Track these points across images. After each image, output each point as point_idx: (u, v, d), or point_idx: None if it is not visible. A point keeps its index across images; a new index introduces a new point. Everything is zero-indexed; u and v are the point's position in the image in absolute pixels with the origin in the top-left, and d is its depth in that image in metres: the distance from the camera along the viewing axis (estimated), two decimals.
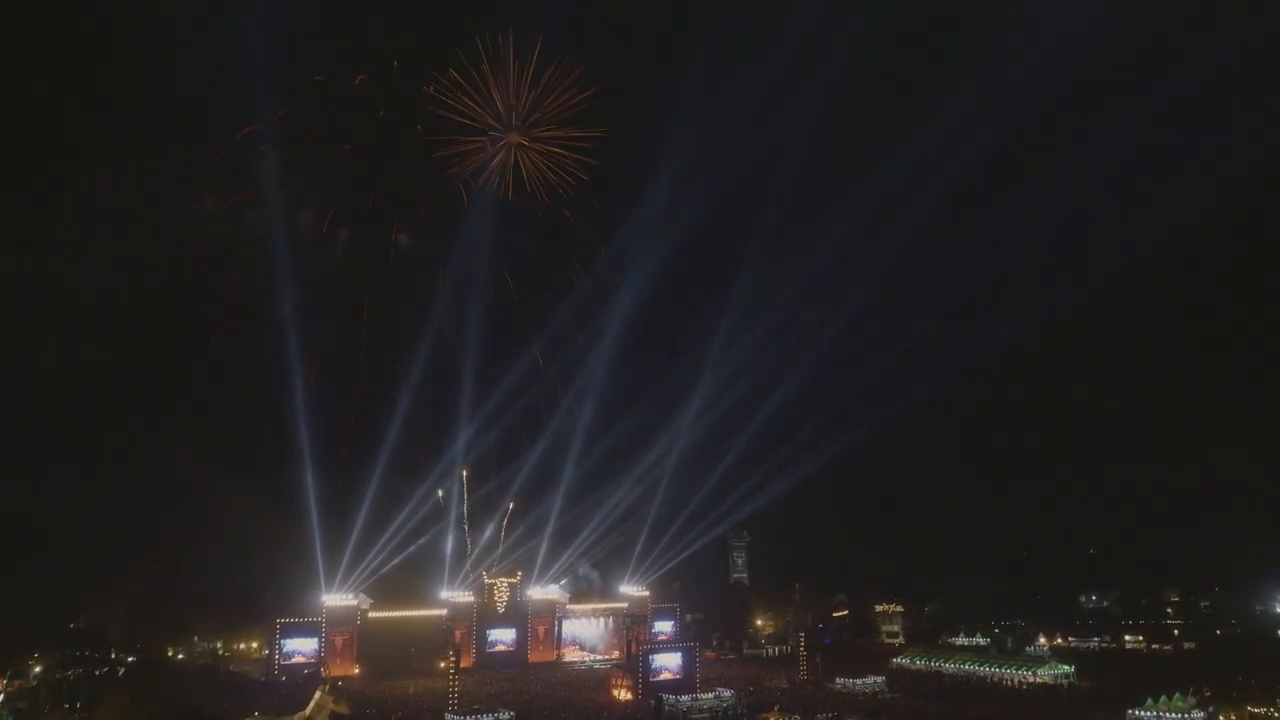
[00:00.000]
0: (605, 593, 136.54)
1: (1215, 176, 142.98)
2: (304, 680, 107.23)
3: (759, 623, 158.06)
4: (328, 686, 67.45)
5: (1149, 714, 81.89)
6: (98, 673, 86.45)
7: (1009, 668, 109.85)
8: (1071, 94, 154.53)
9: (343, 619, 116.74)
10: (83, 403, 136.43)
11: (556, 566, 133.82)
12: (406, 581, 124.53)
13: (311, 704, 66.25)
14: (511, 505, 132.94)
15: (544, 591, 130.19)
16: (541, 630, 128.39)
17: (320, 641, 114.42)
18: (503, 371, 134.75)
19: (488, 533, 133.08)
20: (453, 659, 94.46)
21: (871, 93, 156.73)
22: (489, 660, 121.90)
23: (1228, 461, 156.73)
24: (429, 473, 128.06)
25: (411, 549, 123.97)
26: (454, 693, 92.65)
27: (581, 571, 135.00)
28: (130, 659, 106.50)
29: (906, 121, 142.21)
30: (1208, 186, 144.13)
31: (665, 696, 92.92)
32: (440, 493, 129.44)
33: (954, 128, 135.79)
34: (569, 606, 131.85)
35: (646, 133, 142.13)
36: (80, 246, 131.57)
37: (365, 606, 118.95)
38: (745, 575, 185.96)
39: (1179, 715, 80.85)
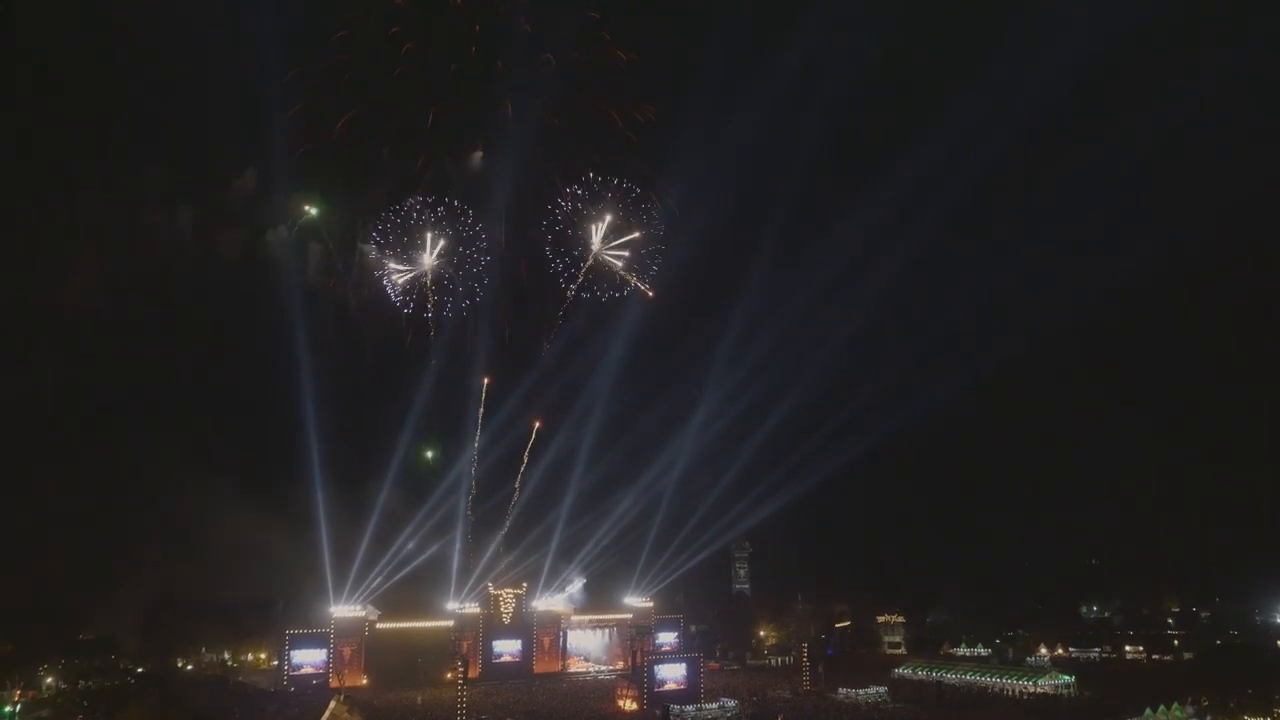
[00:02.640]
0: (605, 605, 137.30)
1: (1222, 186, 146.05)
2: (313, 691, 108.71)
3: (762, 633, 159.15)
4: (342, 696, 68.80)
5: None
6: (112, 683, 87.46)
7: (1010, 678, 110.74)
8: (1079, 105, 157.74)
9: (351, 630, 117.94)
10: (89, 414, 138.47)
11: (559, 579, 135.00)
12: (413, 593, 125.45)
13: (327, 713, 67.63)
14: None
15: (549, 602, 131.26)
16: (546, 641, 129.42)
17: (329, 652, 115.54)
18: (509, 385, 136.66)
19: (493, 545, 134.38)
20: (461, 669, 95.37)
21: (871, 113, 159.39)
22: (495, 671, 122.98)
23: (1228, 471, 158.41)
24: (436, 485, 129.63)
25: (420, 560, 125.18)
26: (462, 703, 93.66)
27: (580, 584, 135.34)
28: (139, 670, 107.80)
29: (903, 145, 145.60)
30: (1216, 196, 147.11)
31: (671, 706, 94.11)
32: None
33: (952, 147, 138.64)
34: (573, 618, 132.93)
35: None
36: (85, 256, 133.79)
37: (373, 618, 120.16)
38: (747, 586, 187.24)
39: None
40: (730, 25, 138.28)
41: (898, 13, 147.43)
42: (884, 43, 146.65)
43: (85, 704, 77.41)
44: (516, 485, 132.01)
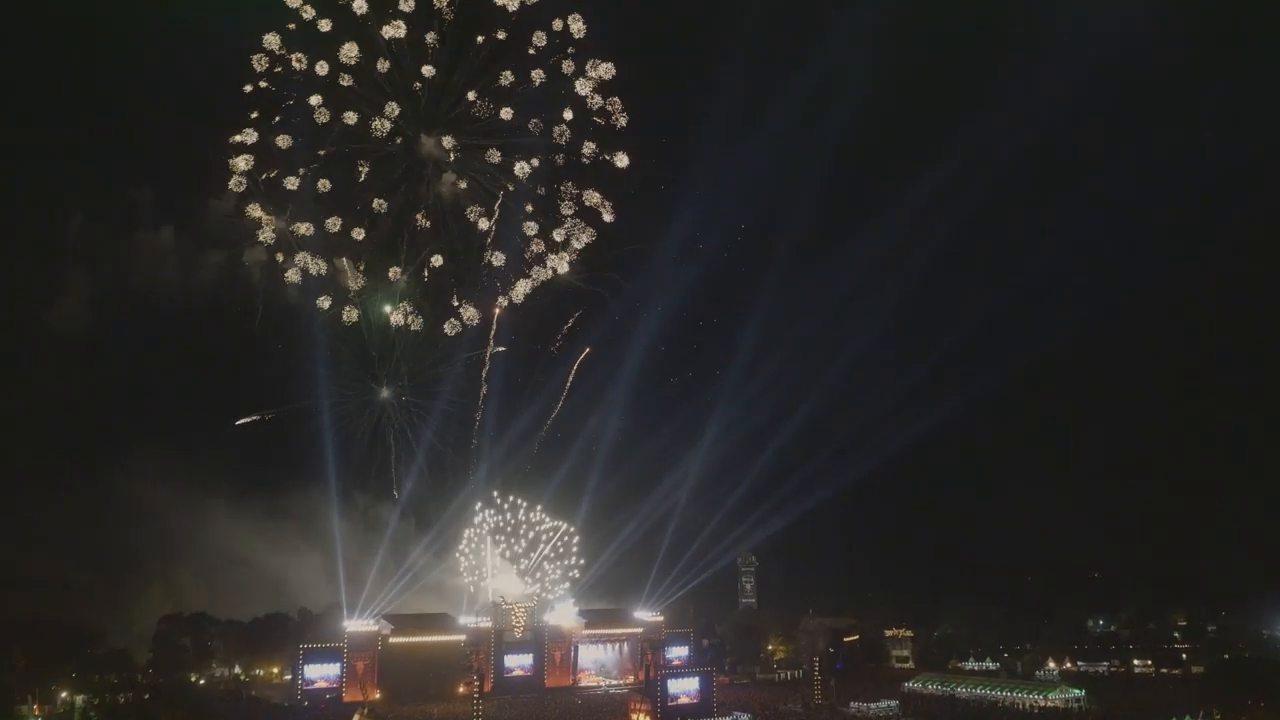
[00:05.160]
0: (616, 619, 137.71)
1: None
2: (326, 705, 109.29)
3: (770, 647, 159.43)
4: (366, 710, 69.38)
5: None
6: (137, 698, 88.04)
7: (1020, 692, 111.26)
8: (1092, 115, 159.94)
9: (364, 644, 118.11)
10: (90, 428, 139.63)
11: (569, 591, 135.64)
12: (426, 607, 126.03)
13: None
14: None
15: (560, 616, 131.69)
16: (558, 655, 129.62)
17: (342, 667, 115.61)
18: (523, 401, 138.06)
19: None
20: (476, 683, 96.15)
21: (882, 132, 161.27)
22: (506, 685, 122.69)
23: (1233, 484, 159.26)
24: (450, 501, 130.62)
25: (435, 572, 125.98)
26: (478, 717, 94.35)
27: (570, 602, 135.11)
28: (158, 683, 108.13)
29: (908, 169, 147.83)
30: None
31: None
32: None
33: (954, 170, 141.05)
34: (585, 631, 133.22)
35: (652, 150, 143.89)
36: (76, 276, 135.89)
37: (386, 632, 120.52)
38: (754, 600, 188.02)
39: None
40: (742, 38, 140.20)
41: (908, 34, 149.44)
42: (891, 68, 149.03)
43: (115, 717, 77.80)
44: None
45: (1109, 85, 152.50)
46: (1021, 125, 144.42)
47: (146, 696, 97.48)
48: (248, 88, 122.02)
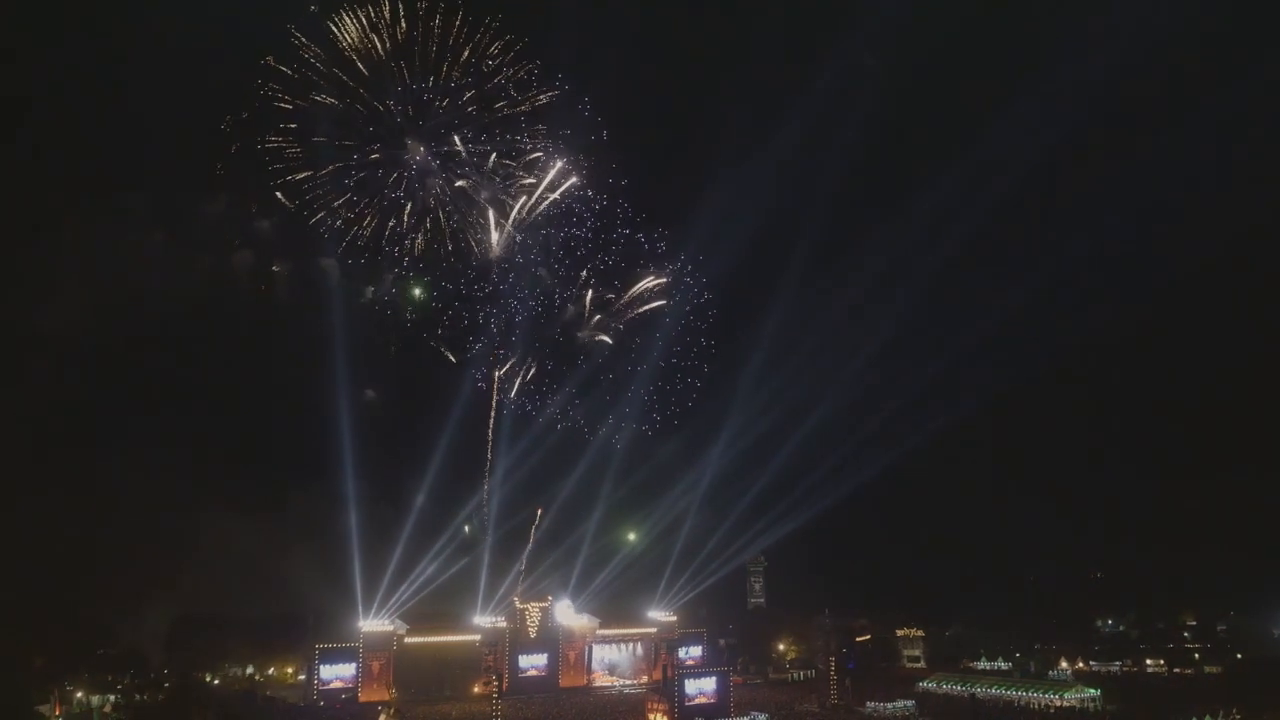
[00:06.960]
0: (630, 619, 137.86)
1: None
2: (342, 705, 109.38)
3: (781, 647, 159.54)
4: (392, 710, 69.49)
5: None
6: (164, 698, 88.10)
7: (1035, 691, 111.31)
8: (1104, 123, 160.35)
9: (379, 644, 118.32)
10: (97, 429, 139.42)
11: (585, 592, 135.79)
12: (441, 607, 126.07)
13: None
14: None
15: (575, 617, 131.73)
16: (572, 655, 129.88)
17: (357, 667, 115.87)
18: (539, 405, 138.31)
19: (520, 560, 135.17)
20: (495, 683, 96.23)
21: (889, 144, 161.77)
22: (521, 685, 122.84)
23: (1237, 484, 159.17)
24: (466, 500, 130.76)
25: (450, 573, 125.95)
26: (496, 717, 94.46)
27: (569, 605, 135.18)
28: (179, 683, 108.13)
29: (918, 176, 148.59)
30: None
31: None
32: (468, 527, 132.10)
33: (963, 178, 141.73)
34: (599, 631, 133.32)
35: (666, 154, 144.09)
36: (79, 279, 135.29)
37: (401, 632, 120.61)
38: (763, 600, 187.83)
39: None
40: (755, 46, 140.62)
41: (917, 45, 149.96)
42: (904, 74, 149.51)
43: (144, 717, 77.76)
44: (522, 565, 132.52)
45: (1114, 89, 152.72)
46: (1029, 129, 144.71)
47: (161, 698, 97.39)
48: (228, 116, 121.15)
